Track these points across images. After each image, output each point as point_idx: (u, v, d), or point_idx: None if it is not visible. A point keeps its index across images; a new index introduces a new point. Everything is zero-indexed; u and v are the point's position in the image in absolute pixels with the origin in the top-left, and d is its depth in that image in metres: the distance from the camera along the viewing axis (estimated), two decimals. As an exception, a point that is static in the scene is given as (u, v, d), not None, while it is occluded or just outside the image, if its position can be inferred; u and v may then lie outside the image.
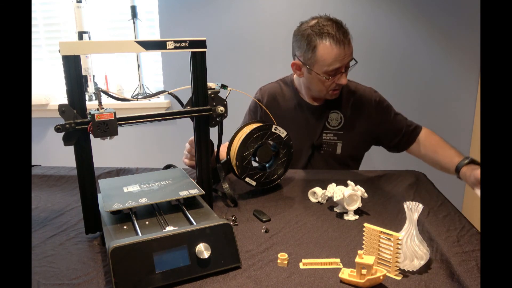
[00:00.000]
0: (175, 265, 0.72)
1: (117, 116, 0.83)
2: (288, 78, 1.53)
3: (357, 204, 0.99)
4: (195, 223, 0.81)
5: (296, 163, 1.50)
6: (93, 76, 2.33)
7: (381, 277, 0.71)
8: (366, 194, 1.02)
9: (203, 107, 0.94)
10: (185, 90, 0.97)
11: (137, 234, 0.78)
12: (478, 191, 1.12)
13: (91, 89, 2.32)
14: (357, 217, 0.99)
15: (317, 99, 1.46)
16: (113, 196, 0.88)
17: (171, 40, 0.86)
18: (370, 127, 1.45)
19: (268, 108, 1.49)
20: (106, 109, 0.83)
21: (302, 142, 1.46)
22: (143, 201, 0.85)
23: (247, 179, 1.14)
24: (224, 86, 0.99)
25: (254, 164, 1.18)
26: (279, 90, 1.51)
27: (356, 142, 1.46)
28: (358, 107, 1.43)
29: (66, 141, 0.82)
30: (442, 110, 2.26)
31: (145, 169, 1.37)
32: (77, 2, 2.20)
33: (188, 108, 0.95)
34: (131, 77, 2.45)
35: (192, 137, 1.22)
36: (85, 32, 2.25)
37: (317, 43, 1.28)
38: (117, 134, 0.83)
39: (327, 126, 1.45)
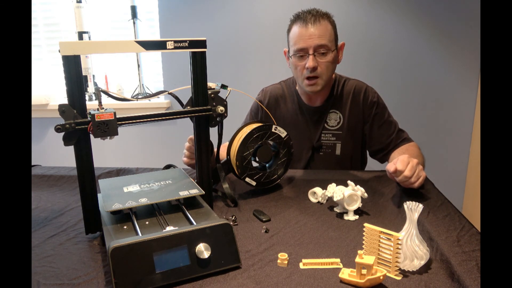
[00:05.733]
0: (175, 265, 0.72)
1: (117, 116, 0.83)
2: (290, 80, 1.53)
3: (357, 204, 0.99)
4: (195, 223, 0.81)
5: (296, 165, 1.49)
6: (93, 76, 2.33)
7: (381, 277, 0.71)
8: (366, 194, 1.02)
9: (203, 107, 0.94)
10: (185, 90, 0.97)
11: (137, 234, 0.78)
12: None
13: (91, 89, 2.32)
14: (357, 217, 0.99)
15: (314, 99, 1.44)
16: (113, 196, 0.88)
17: (171, 40, 0.86)
18: (363, 126, 1.44)
19: (269, 109, 1.49)
20: (106, 109, 0.83)
21: (302, 144, 1.46)
22: (143, 201, 0.85)
23: (247, 179, 1.14)
24: (224, 86, 0.99)
25: (254, 164, 1.18)
26: (281, 91, 1.51)
27: (355, 142, 1.46)
28: (356, 105, 1.42)
29: (66, 141, 0.82)
30: (442, 110, 2.26)
31: (145, 169, 1.37)
32: (77, 2, 2.20)
33: (188, 108, 0.95)
34: (131, 77, 2.45)
35: (192, 136, 1.23)
36: (85, 32, 2.25)
37: (290, 26, 1.36)
38: (117, 134, 0.83)
39: (326, 127, 1.44)
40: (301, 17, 1.31)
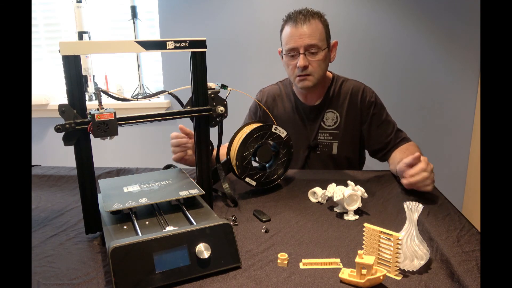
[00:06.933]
0: (175, 265, 0.72)
1: (117, 116, 0.83)
2: (287, 80, 1.54)
3: (357, 204, 0.99)
4: (195, 223, 0.81)
5: (293, 164, 1.50)
6: (93, 76, 2.33)
7: (381, 277, 0.71)
8: (366, 194, 1.02)
9: (203, 107, 0.94)
10: (185, 90, 0.97)
11: (137, 234, 0.78)
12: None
13: (91, 89, 2.32)
14: (357, 217, 0.99)
15: (310, 98, 1.45)
16: (113, 196, 0.88)
17: (171, 40, 0.86)
18: (361, 126, 1.44)
19: (267, 109, 1.50)
20: (106, 109, 0.83)
21: (299, 143, 1.46)
22: (143, 201, 0.85)
23: (247, 179, 1.14)
24: (224, 86, 0.99)
25: (254, 164, 1.18)
26: (278, 91, 1.53)
27: (352, 142, 1.46)
28: (353, 106, 1.43)
29: (66, 141, 0.82)
30: (442, 110, 2.26)
31: (145, 169, 1.38)
32: (77, 2, 2.20)
33: (188, 108, 0.95)
34: (131, 77, 2.45)
35: (173, 133, 1.25)
36: (85, 32, 2.25)
37: (283, 26, 1.38)
38: (117, 134, 0.83)
39: (323, 126, 1.45)
40: (292, 17, 1.33)
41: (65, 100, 0.81)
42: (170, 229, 0.76)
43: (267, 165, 1.19)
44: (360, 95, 1.42)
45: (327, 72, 1.45)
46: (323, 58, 1.34)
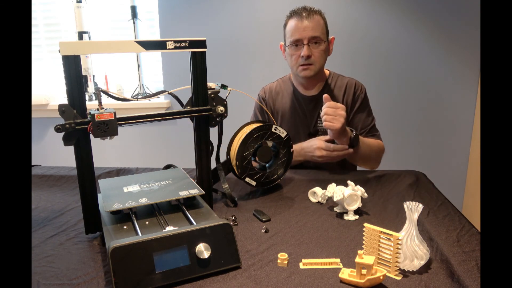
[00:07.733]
0: (175, 265, 0.72)
1: (117, 116, 0.83)
2: (286, 76, 1.63)
3: (357, 204, 0.99)
4: (195, 223, 0.81)
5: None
6: (93, 76, 2.33)
7: (381, 277, 0.71)
8: (366, 194, 1.02)
9: (203, 107, 0.94)
10: (185, 90, 0.97)
11: (137, 234, 0.78)
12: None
13: (91, 89, 2.32)
14: (357, 217, 0.99)
15: (309, 89, 1.53)
16: (113, 196, 0.88)
17: (171, 40, 0.86)
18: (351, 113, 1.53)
19: (269, 102, 1.60)
20: (106, 109, 0.83)
21: (299, 131, 1.54)
22: (143, 201, 0.85)
23: (247, 179, 1.14)
24: (224, 86, 0.99)
25: (254, 164, 1.18)
26: (278, 86, 1.62)
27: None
28: (348, 96, 1.52)
29: (66, 141, 0.82)
30: (442, 110, 2.26)
31: (145, 169, 1.37)
32: (77, 2, 2.20)
33: (188, 108, 0.95)
34: (131, 77, 2.45)
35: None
36: (85, 32, 2.25)
37: (287, 21, 1.49)
38: (117, 134, 0.83)
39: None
40: (296, 12, 1.44)
41: (65, 100, 0.81)
42: (170, 229, 0.76)
43: (267, 165, 1.19)
44: (353, 88, 1.53)
45: (324, 69, 1.54)
46: (324, 49, 1.45)
